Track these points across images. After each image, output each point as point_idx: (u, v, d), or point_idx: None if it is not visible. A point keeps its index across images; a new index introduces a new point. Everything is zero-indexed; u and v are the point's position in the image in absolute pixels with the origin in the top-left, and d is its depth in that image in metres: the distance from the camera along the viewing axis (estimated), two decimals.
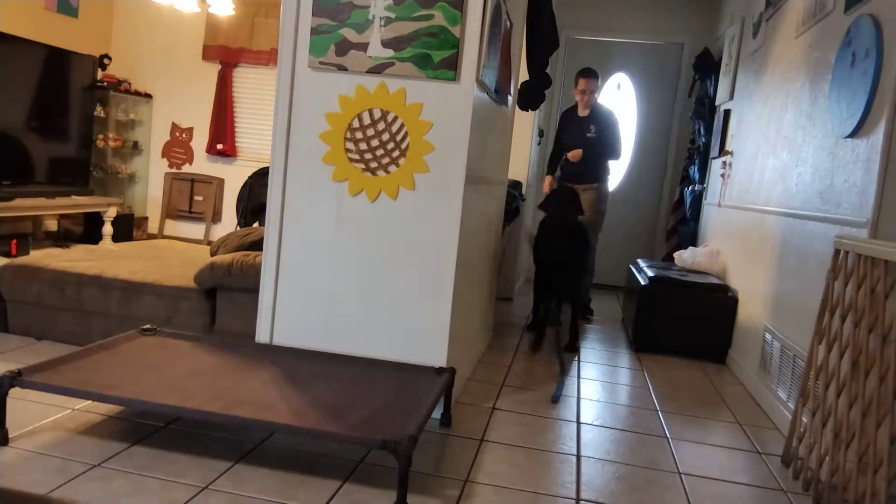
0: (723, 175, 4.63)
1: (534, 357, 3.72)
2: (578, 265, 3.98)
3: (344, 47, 2.54)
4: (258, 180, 4.77)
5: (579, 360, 3.71)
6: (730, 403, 3.21)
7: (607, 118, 4.74)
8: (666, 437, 2.68)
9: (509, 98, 3.61)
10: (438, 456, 2.30)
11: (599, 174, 4.72)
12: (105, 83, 6.04)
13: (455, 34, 2.47)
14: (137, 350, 2.52)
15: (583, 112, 4.74)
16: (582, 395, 3.11)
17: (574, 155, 4.65)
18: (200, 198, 6.46)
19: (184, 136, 6.49)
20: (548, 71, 3.94)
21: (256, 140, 6.38)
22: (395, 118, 2.55)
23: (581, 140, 4.67)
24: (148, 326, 2.76)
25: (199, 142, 6.45)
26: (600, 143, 4.66)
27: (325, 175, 2.61)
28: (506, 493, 2.08)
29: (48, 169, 5.41)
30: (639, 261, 4.91)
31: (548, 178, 4.97)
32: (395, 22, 2.50)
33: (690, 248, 4.78)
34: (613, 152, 4.74)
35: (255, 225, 4.65)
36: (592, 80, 4.66)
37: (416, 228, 2.58)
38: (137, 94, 6.35)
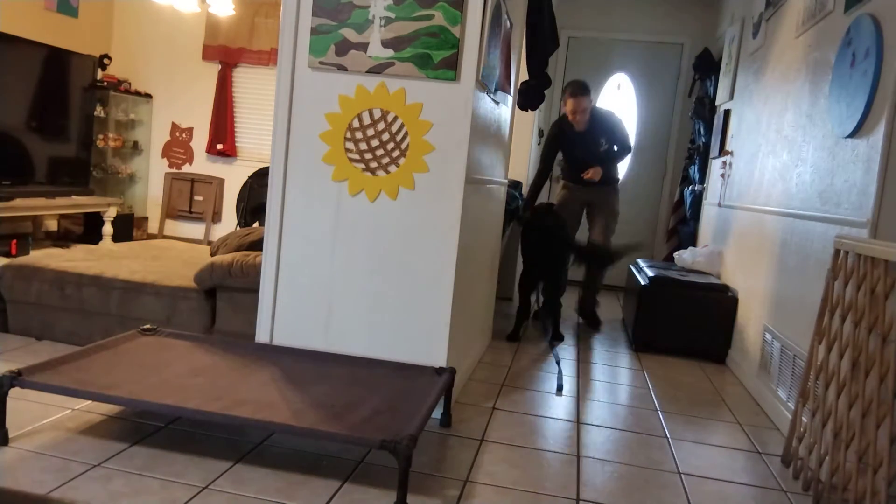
0: (723, 175, 4.63)
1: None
2: (564, 257, 4.17)
3: (344, 47, 2.54)
4: (258, 180, 4.78)
5: (579, 360, 3.71)
6: (730, 403, 3.21)
7: (611, 122, 4.48)
8: (666, 437, 2.68)
9: (509, 98, 3.61)
10: (438, 456, 2.29)
11: (616, 175, 4.64)
12: (105, 83, 6.04)
13: (455, 34, 2.47)
14: (137, 350, 2.52)
15: (581, 128, 4.37)
16: (582, 395, 3.11)
17: (595, 174, 4.32)
18: (200, 198, 6.46)
19: (184, 136, 6.49)
20: (547, 71, 3.93)
21: (256, 140, 6.38)
22: (395, 118, 2.55)
23: (595, 156, 4.40)
24: (148, 326, 2.76)
25: (199, 142, 6.45)
26: (614, 148, 4.51)
27: (325, 175, 2.61)
28: (506, 493, 2.08)
29: (48, 169, 5.41)
30: (639, 261, 4.91)
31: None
32: (395, 22, 2.50)
33: (690, 248, 4.78)
34: (628, 150, 4.58)
35: (255, 225, 4.65)
36: (584, 99, 4.25)
37: (416, 228, 2.58)
38: (137, 94, 6.35)
